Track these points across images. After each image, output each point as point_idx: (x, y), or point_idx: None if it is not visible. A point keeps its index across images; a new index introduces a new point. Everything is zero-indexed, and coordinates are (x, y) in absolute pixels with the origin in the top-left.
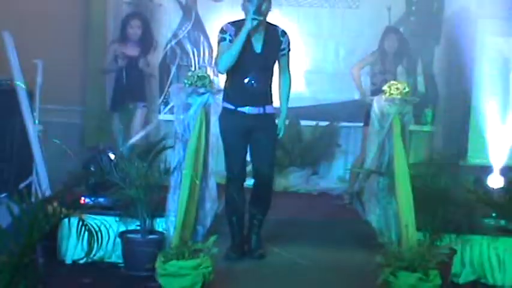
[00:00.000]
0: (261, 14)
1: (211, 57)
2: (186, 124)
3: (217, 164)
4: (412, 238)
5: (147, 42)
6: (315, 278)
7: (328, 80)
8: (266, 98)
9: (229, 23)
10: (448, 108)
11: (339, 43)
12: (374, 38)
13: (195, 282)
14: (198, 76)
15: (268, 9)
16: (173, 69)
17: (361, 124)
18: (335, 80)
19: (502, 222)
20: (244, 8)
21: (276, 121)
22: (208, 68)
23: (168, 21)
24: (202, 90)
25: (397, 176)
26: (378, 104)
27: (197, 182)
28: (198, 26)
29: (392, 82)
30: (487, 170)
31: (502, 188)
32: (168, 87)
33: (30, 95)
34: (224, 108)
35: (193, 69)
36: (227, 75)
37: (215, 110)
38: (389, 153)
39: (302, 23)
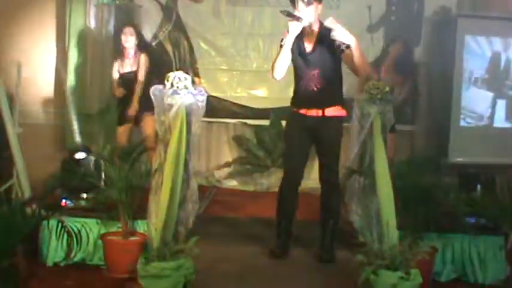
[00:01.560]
0: (295, 17)
1: (192, 57)
2: (167, 125)
3: (198, 165)
4: (393, 237)
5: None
6: (296, 277)
7: None
8: (325, 100)
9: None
10: (428, 107)
11: None
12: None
13: (176, 283)
14: (178, 77)
15: (310, 13)
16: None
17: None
18: None
19: (483, 220)
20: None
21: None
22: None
23: (148, 22)
24: (183, 91)
25: (377, 174)
26: (358, 104)
27: (178, 183)
28: (179, 26)
29: (372, 82)
30: (468, 168)
31: (482, 186)
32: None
33: (10, 97)
34: (291, 113)
35: (174, 70)
36: (294, 79)
37: (196, 110)
38: (371, 152)
39: (282, 23)
